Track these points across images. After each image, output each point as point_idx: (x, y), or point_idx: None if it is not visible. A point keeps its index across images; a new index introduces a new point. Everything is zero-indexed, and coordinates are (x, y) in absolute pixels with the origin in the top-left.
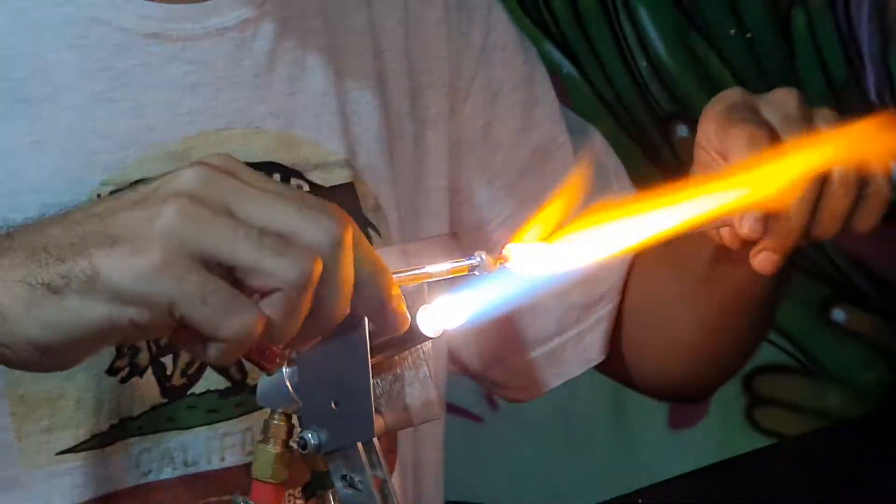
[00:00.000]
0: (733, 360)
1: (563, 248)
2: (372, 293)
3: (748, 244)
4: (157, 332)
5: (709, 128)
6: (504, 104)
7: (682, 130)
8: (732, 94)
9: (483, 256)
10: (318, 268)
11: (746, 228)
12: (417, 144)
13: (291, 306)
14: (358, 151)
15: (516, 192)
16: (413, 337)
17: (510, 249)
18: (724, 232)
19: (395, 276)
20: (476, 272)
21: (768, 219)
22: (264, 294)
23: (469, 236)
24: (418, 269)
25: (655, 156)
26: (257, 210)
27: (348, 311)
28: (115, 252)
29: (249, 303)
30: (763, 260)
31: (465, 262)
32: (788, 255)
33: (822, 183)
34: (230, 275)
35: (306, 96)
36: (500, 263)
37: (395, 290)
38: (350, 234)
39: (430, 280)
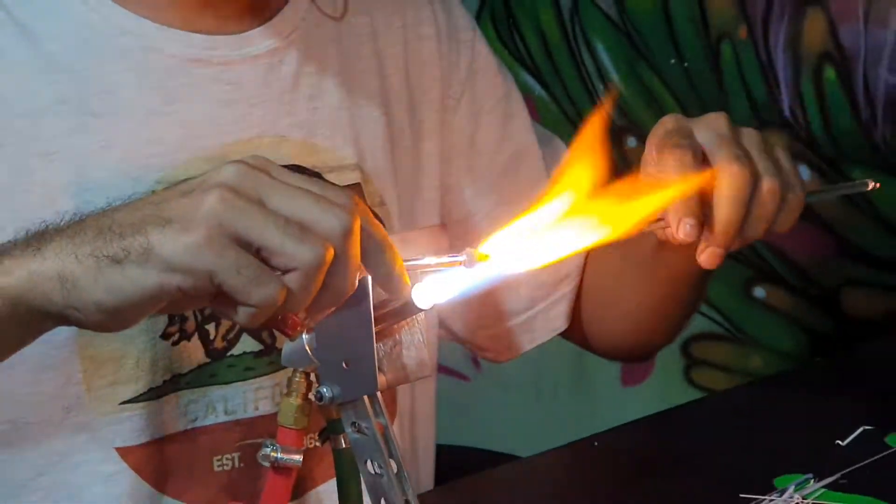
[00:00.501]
0: (672, 328)
1: (532, 247)
2: (382, 264)
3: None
4: (199, 297)
5: (650, 151)
6: (486, 118)
7: (631, 142)
8: (671, 121)
9: (470, 253)
10: (330, 253)
11: (682, 233)
12: (415, 151)
13: (307, 282)
14: (366, 157)
15: (496, 190)
16: (409, 309)
17: (491, 248)
18: (665, 232)
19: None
20: (464, 266)
21: (702, 224)
22: (286, 271)
23: (457, 227)
24: (418, 259)
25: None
26: (283, 202)
27: (354, 288)
28: (166, 230)
29: (274, 276)
30: (709, 255)
31: (456, 258)
32: (728, 250)
33: (752, 193)
34: (259, 254)
35: (324, 111)
36: (484, 259)
37: (400, 262)
38: (358, 223)
39: (425, 270)
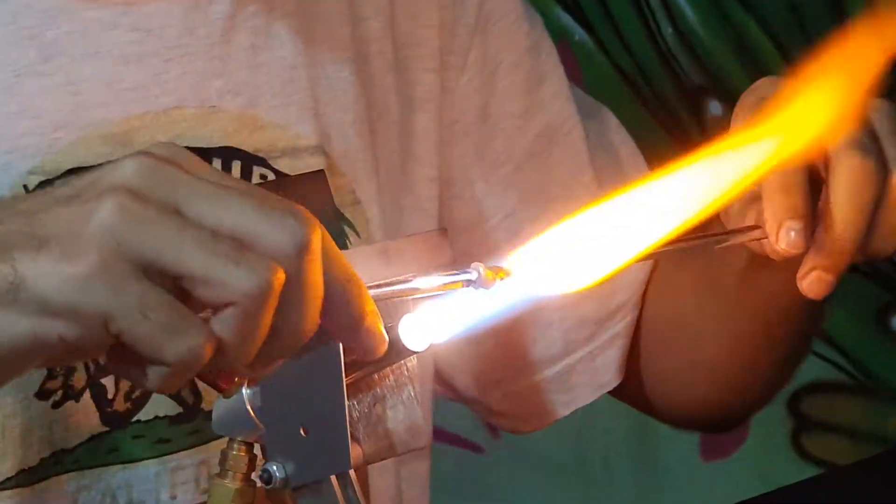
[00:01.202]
0: (771, 381)
1: (574, 261)
2: (342, 310)
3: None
4: (91, 350)
5: (739, 126)
6: (504, 82)
7: (714, 107)
8: (768, 85)
9: (480, 270)
10: (280, 277)
11: (784, 243)
12: (403, 128)
13: (248, 324)
14: (332, 135)
15: (517, 184)
16: (395, 351)
17: (513, 262)
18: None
19: (375, 289)
20: (472, 287)
21: (812, 231)
22: (216, 309)
23: (462, 237)
24: (403, 282)
25: (684, 138)
26: (209, 209)
27: (316, 328)
28: (42, 256)
29: (197, 320)
30: (813, 282)
31: (459, 276)
32: (842, 275)
33: (879, 192)
34: (176, 285)
35: (272, 70)
36: (501, 278)
37: (370, 306)
38: (318, 236)
39: (416, 297)
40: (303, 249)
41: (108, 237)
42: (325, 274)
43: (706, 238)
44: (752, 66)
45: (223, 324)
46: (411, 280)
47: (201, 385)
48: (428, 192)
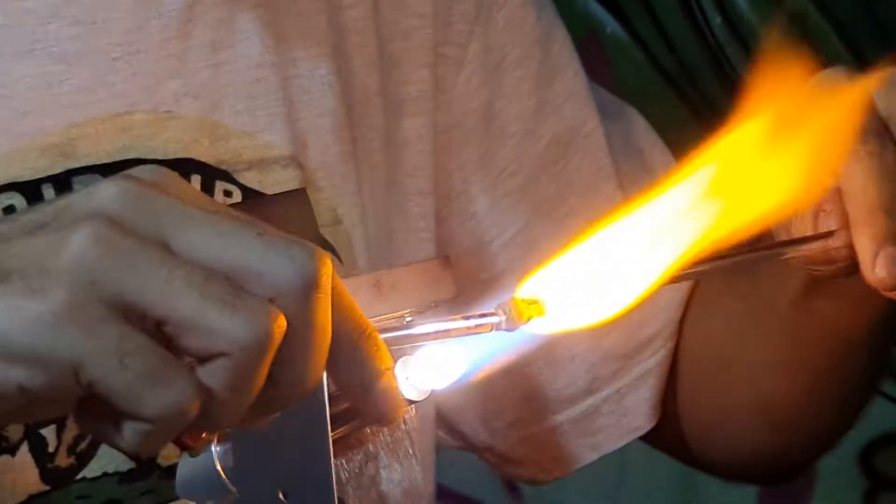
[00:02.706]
0: (834, 423)
1: (601, 285)
2: (353, 369)
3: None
4: (57, 403)
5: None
6: (510, 78)
7: None
8: (835, 76)
9: (508, 310)
10: (281, 325)
11: (885, 272)
12: (391, 134)
13: (242, 377)
14: (308, 144)
15: (528, 198)
16: None
17: (544, 291)
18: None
19: (384, 334)
20: (498, 329)
21: None
22: (204, 359)
23: (463, 260)
24: (420, 324)
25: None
26: (202, 242)
27: (320, 380)
28: (4, 292)
29: (184, 369)
30: (889, 263)
31: (485, 321)
32: None
33: None
34: (160, 331)
35: (236, 69)
36: (532, 316)
37: (387, 363)
38: (328, 272)
39: (434, 341)
40: (310, 287)
41: (81, 272)
42: (332, 322)
43: (763, 251)
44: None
45: (213, 375)
46: (426, 324)
47: None
48: (422, 210)
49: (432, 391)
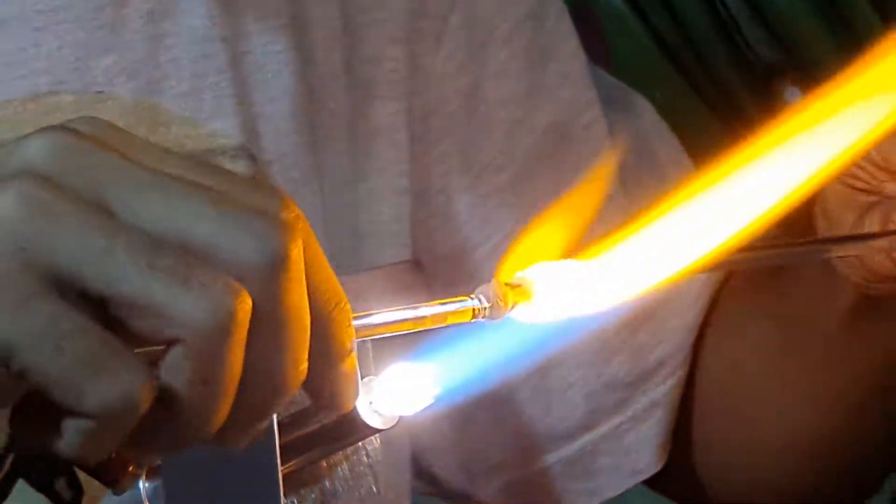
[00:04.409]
0: (875, 466)
1: (606, 269)
2: (322, 342)
3: None
4: None
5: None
6: (498, 57)
7: (790, 93)
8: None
9: (489, 294)
10: (245, 304)
11: None
12: (357, 122)
13: (205, 369)
14: (261, 132)
15: (518, 197)
16: (350, 428)
17: (535, 273)
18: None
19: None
20: (482, 318)
21: None
22: (160, 346)
23: (443, 268)
24: (385, 311)
25: (747, 134)
26: (150, 208)
27: (303, 378)
28: None
29: (130, 354)
30: None
31: (465, 304)
32: None
33: None
34: (102, 310)
35: (179, 43)
36: (519, 300)
37: (351, 342)
38: (299, 250)
39: (408, 332)
40: (277, 268)
41: (7, 239)
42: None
43: (806, 245)
44: (845, 37)
45: (172, 370)
46: (393, 311)
47: (82, 475)
48: (394, 211)
49: (399, 418)
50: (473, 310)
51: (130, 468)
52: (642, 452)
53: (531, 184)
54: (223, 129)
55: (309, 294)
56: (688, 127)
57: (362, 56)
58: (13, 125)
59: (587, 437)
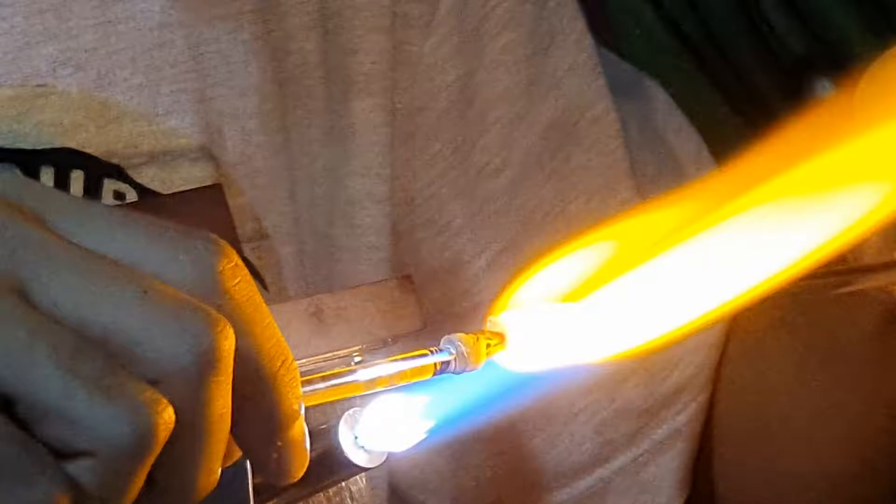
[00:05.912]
0: None
1: (611, 314)
2: (260, 415)
3: None
4: None
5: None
6: (494, 45)
7: (822, 87)
8: None
9: (458, 345)
10: (168, 422)
11: None
12: (334, 120)
13: (112, 483)
14: (225, 132)
15: (517, 204)
16: (334, 467)
17: (508, 320)
18: None
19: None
20: (450, 371)
21: None
22: (70, 456)
23: (435, 285)
24: (348, 371)
25: (774, 132)
26: (70, 296)
27: (215, 483)
28: None
29: (49, 463)
30: None
31: (428, 359)
32: None
33: None
34: (12, 414)
35: (132, 30)
36: (493, 352)
37: (297, 405)
38: (230, 349)
39: (364, 393)
40: (205, 368)
41: None
42: (245, 350)
43: (831, 276)
44: (882, 27)
45: (78, 473)
46: (356, 370)
47: None
48: (376, 221)
49: (388, 456)
50: (435, 365)
51: None
52: (661, 488)
53: (531, 188)
54: (181, 127)
55: (251, 353)
56: (707, 123)
57: (341, 47)
58: None
59: (598, 473)
